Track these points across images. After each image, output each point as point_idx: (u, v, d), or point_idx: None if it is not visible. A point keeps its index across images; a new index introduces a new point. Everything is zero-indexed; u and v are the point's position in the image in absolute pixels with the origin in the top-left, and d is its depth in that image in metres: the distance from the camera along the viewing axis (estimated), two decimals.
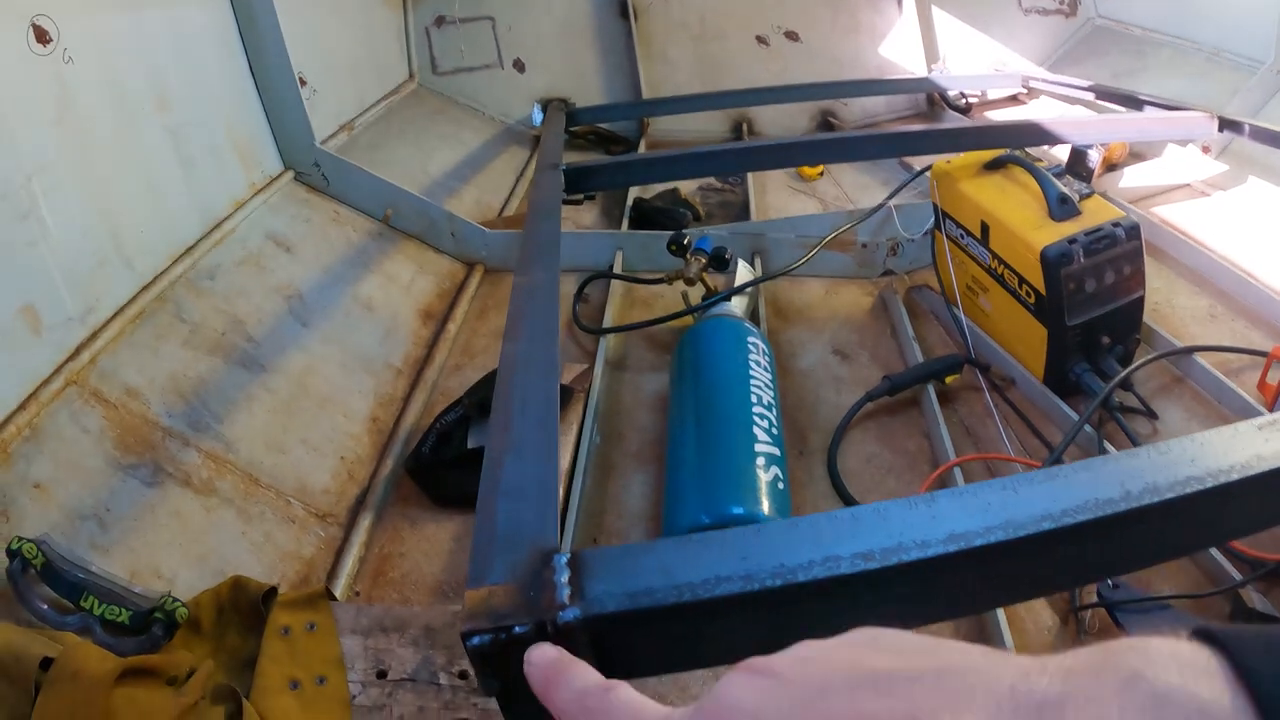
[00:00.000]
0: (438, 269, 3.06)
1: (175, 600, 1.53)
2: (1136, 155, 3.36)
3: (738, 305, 2.59)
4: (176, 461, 1.88)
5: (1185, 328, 2.47)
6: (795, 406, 2.41)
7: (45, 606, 1.48)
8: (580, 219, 3.64)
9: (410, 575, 1.90)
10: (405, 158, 3.59)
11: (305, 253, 2.71)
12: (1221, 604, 1.72)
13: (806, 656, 0.44)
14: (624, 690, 0.50)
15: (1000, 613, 1.70)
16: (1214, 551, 1.78)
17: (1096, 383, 2.19)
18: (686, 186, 3.80)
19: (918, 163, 3.24)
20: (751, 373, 2.11)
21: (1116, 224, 2.18)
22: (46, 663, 1.28)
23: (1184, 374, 2.30)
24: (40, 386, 1.79)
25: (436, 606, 1.73)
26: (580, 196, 3.73)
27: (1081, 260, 2.13)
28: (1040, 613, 1.77)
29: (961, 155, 2.57)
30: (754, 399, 2.02)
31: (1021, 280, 2.24)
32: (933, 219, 2.65)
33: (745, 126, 4.59)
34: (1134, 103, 3.11)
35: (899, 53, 4.66)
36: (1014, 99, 4.44)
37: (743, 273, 2.74)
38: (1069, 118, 3.39)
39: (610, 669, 0.69)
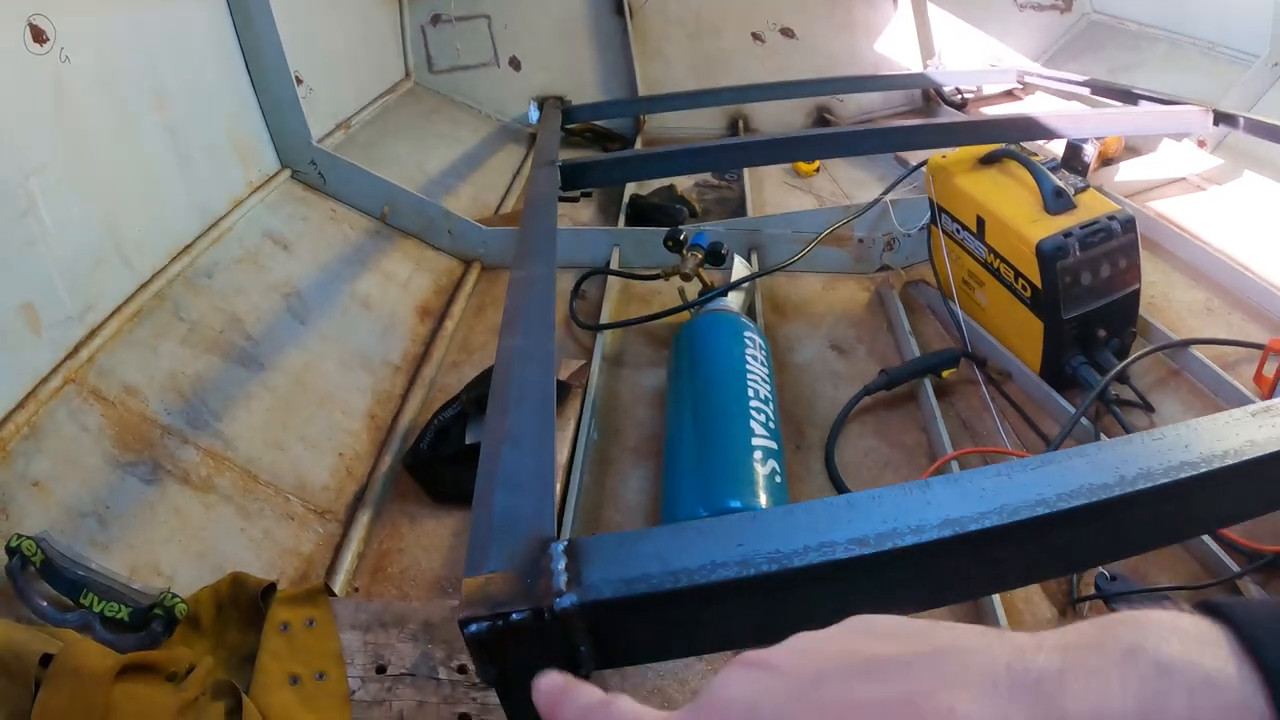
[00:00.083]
0: (435, 266, 3.07)
1: (175, 597, 1.53)
2: (1132, 150, 3.36)
3: (734, 301, 2.60)
4: (175, 459, 1.88)
5: (1182, 321, 2.47)
6: (793, 401, 2.41)
7: (45, 604, 1.48)
8: (577, 216, 3.65)
9: (409, 571, 1.90)
10: (402, 156, 3.59)
11: (303, 251, 2.72)
12: (1219, 595, 1.72)
13: (801, 648, 0.44)
14: (625, 701, 0.50)
15: (998, 605, 1.70)
16: (1211, 543, 1.78)
17: (1093, 376, 2.19)
18: (683, 183, 3.80)
19: (913, 158, 3.23)
20: (748, 367, 2.11)
21: (1112, 217, 2.18)
22: (47, 659, 1.28)
23: (1180, 367, 2.30)
24: (39, 385, 1.79)
25: (435, 602, 1.73)
26: (577, 193, 3.73)
27: (1077, 254, 2.13)
28: (1038, 605, 1.78)
29: (957, 150, 2.57)
30: (751, 393, 2.03)
31: (1017, 274, 2.24)
32: (929, 214, 2.66)
33: (741, 123, 4.59)
34: (1129, 97, 3.12)
35: (894, 49, 4.66)
36: (1009, 94, 4.44)
37: (739, 268, 2.74)
38: (1064, 112, 3.40)
39: (608, 655, 0.70)
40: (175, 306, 2.20)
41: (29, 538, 1.48)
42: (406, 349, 2.61)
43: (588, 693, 0.53)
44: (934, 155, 2.61)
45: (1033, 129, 2.59)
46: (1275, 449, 0.76)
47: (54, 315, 1.88)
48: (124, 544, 1.67)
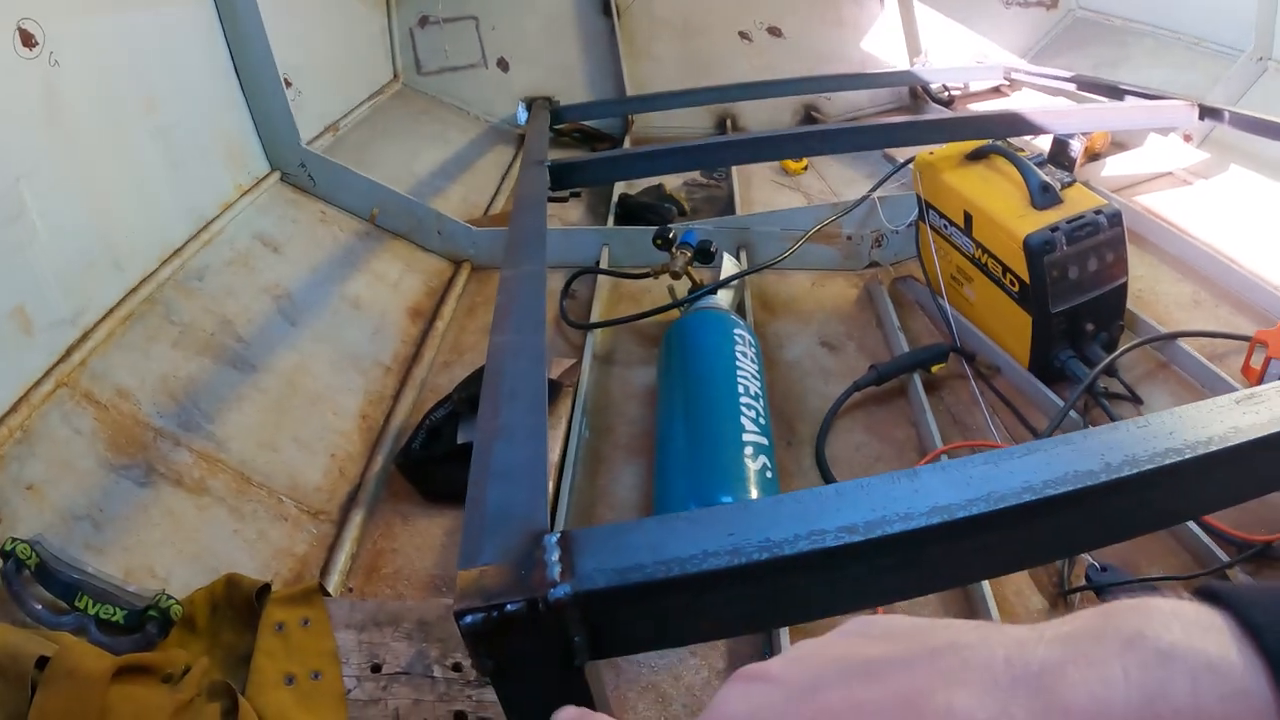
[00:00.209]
0: (425, 267, 3.07)
1: (170, 598, 1.54)
2: (1119, 145, 3.38)
3: (724, 298, 2.60)
4: (168, 461, 1.89)
5: (1169, 314, 2.48)
6: (783, 397, 2.42)
7: (40, 607, 1.48)
8: (566, 216, 3.65)
9: (403, 570, 1.91)
10: (391, 157, 3.59)
11: (293, 253, 2.72)
12: (1204, 584, 1.73)
13: (798, 656, 0.44)
14: None
15: (989, 596, 1.71)
16: (1201, 533, 1.80)
17: (1081, 369, 2.21)
18: (671, 182, 3.81)
19: (901, 155, 3.25)
20: (738, 364, 2.12)
21: (1098, 211, 2.20)
22: (43, 662, 1.28)
23: (1169, 359, 2.32)
24: (32, 388, 1.79)
25: (430, 600, 1.74)
26: (566, 193, 3.74)
27: (1064, 248, 2.15)
28: (1030, 597, 1.79)
29: (944, 147, 2.58)
30: (741, 390, 2.03)
31: (1005, 269, 2.26)
32: (916, 210, 2.67)
33: (729, 122, 4.60)
34: (1115, 92, 3.13)
35: (881, 47, 4.67)
36: (996, 91, 4.45)
37: (728, 266, 2.75)
38: (1050, 108, 3.41)
39: (602, 645, 0.70)
40: (166, 309, 2.20)
41: (23, 541, 1.49)
42: (397, 350, 2.62)
43: (603, 718, 0.54)
44: (921, 152, 2.62)
45: (1019, 125, 2.60)
46: (1259, 435, 0.77)
47: (46, 319, 1.88)
48: (118, 546, 1.67)
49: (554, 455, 2.11)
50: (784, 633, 1.64)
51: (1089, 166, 3.20)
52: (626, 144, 4.42)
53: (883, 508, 0.70)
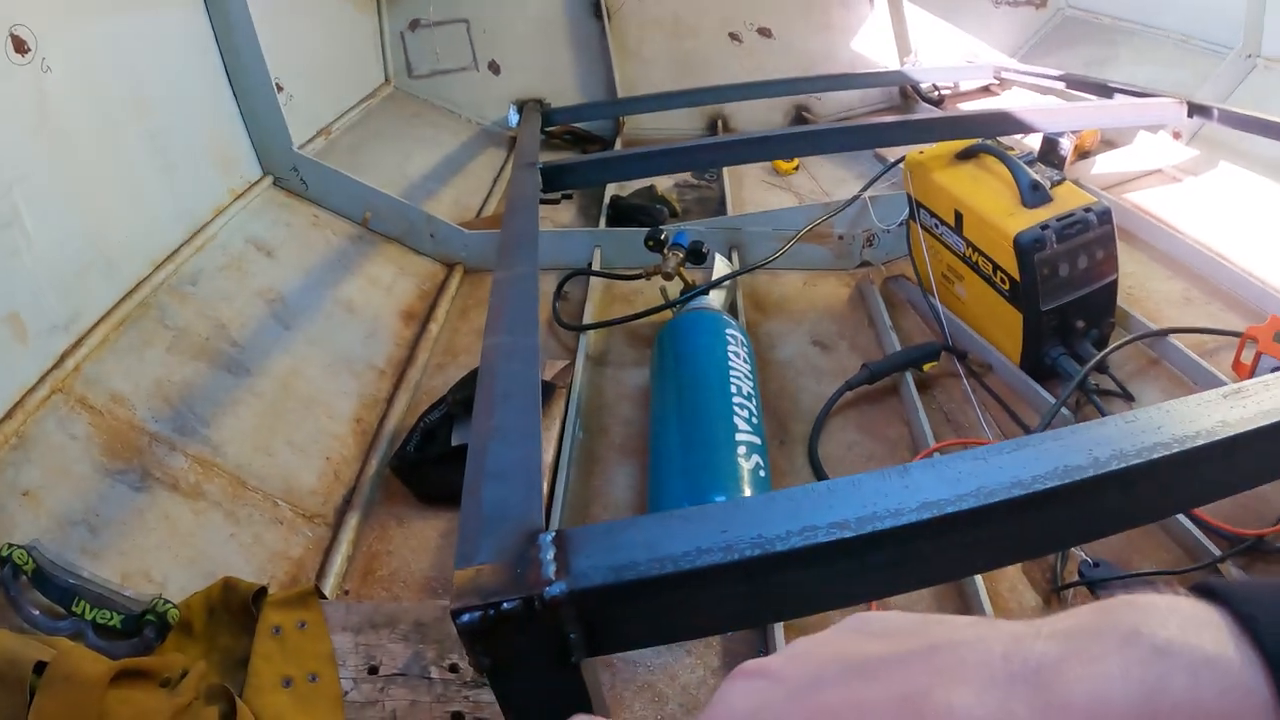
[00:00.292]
0: (418, 270, 3.08)
1: (166, 602, 1.54)
2: (1108, 142, 3.39)
3: (716, 299, 2.61)
4: (164, 466, 1.89)
5: (1160, 311, 2.49)
6: (776, 397, 2.43)
7: (37, 612, 1.49)
8: (558, 218, 3.66)
9: (399, 572, 1.91)
10: (383, 161, 3.60)
11: (286, 257, 2.72)
12: (1212, 578, 1.75)
13: (798, 653, 0.44)
14: None
15: (983, 592, 1.72)
16: (1193, 528, 1.81)
17: (1073, 366, 2.22)
18: (663, 183, 3.82)
19: (892, 155, 3.26)
20: (730, 364, 2.13)
21: (1088, 209, 2.21)
22: (41, 667, 1.28)
23: (1160, 356, 2.33)
24: (27, 394, 1.80)
25: (426, 602, 1.74)
26: (557, 195, 3.73)
27: (1054, 245, 2.16)
28: (1023, 593, 1.80)
29: (934, 146, 2.59)
30: (733, 389, 2.04)
31: (996, 267, 2.27)
32: (907, 209, 2.68)
33: (720, 123, 4.61)
34: (1104, 91, 3.14)
35: (871, 47, 4.69)
36: (986, 90, 4.47)
37: (720, 267, 2.75)
38: (1040, 107, 3.42)
39: (598, 642, 0.71)
40: (161, 314, 2.20)
41: (20, 547, 1.49)
42: (391, 353, 2.62)
43: None
44: (912, 151, 2.62)
45: (1009, 124, 2.60)
46: (1247, 429, 0.77)
47: (40, 325, 1.88)
48: (115, 551, 1.67)
49: (548, 456, 2.12)
50: (778, 629, 1.65)
51: (1079, 164, 3.21)
52: (618, 146, 4.43)
53: (874, 504, 0.71)
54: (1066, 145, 3.11)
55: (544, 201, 2.24)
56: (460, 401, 2.19)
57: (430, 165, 3.88)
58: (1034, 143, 3.22)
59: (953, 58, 4.58)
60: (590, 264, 3.05)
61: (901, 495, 0.71)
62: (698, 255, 2.68)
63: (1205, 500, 0.89)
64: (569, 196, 3.81)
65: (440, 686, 1.50)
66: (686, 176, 4.01)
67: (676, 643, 1.67)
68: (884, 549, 0.70)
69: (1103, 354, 2.21)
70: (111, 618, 1.49)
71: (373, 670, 1.53)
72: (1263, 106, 2.68)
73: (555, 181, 2.36)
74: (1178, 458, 0.75)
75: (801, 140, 2.78)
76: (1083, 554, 1.80)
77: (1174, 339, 2.29)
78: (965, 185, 2.40)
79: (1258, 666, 0.33)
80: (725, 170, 3.90)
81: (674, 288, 2.69)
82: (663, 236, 2.70)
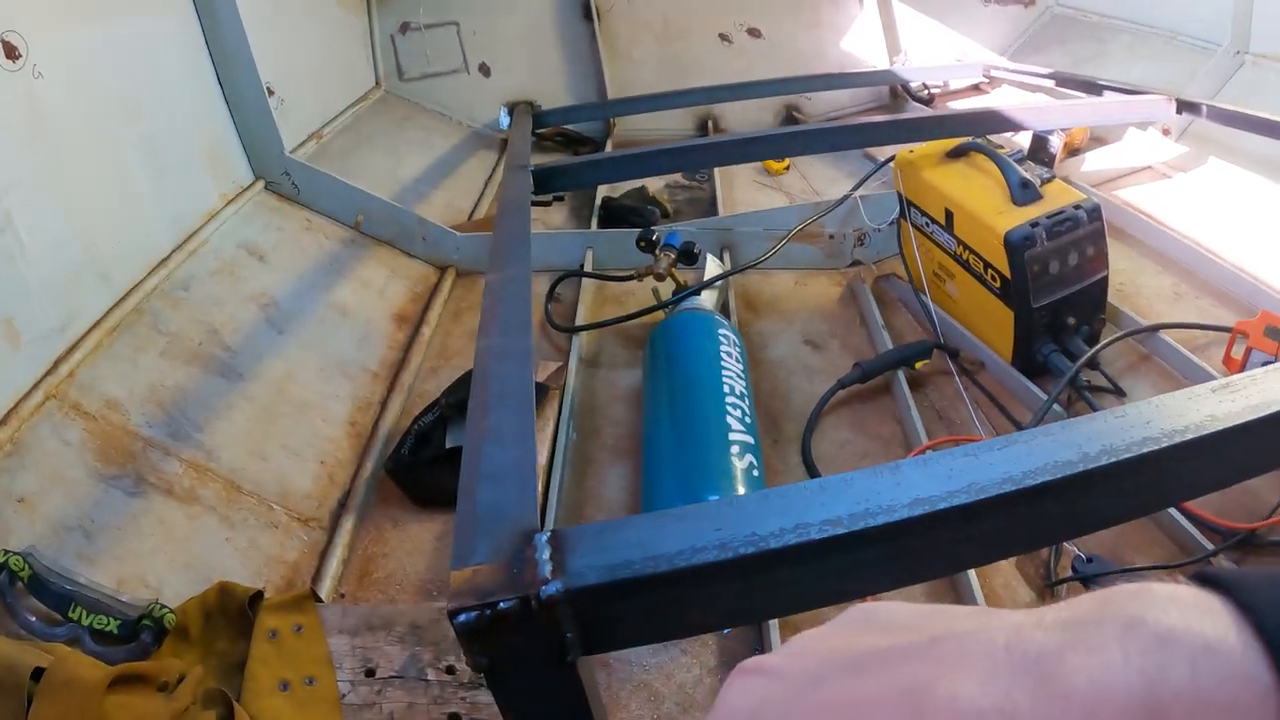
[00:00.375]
0: (410, 273, 3.08)
1: (163, 607, 1.54)
2: (1098, 140, 3.40)
3: (708, 299, 2.62)
4: (158, 471, 1.89)
5: (1151, 307, 2.50)
6: (769, 396, 2.43)
7: (34, 619, 1.49)
8: (550, 220, 3.66)
9: (394, 575, 1.91)
10: (374, 164, 3.60)
11: (278, 261, 2.72)
12: (1201, 568, 1.75)
13: (798, 648, 0.44)
14: None
15: (977, 588, 1.73)
16: (1186, 522, 1.81)
17: (1064, 363, 2.22)
18: (654, 184, 3.81)
19: (882, 154, 3.26)
20: (723, 364, 2.13)
21: (1078, 206, 2.22)
22: (38, 673, 1.28)
23: (1150, 352, 2.34)
24: (20, 401, 1.80)
25: (422, 604, 1.75)
26: (549, 197, 3.75)
27: (1044, 243, 2.16)
28: (1017, 588, 1.80)
29: (924, 145, 2.60)
30: (726, 389, 2.04)
31: (986, 265, 2.27)
32: (898, 208, 2.68)
33: (711, 124, 4.61)
34: (1093, 88, 3.15)
35: (861, 46, 4.69)
36: (976, 88, 4.47)
37: (712, 267, 2.76)
38: (1029, 105, 3.43)
39: (594, 641, 0.72)
40: (154, 319, 2.21)
41: (15, 553, 1.49)
42: (384, 356, 2.62)
43: None
44: (902, 150, 2.63)
45: (998, 122, 2.61)
46: (1235, 423, 0.78)
47: (33, 331, 1.88)
48: (110, 557, 1.67)
49: (541, 458, 2.12)
50: (773, 626, 1.65)
51: (1068, 162, 3.22)
52: (609, 147, 4.43)
53: (866, 501, 0.71)
54: (1056, 143, 3.12)
55: (535, 203, 2.25)
56: (453, 404, 2.19)
57: (421, 168, 3.88)
58: (1024, 141, 3.23)
59: (942, 56, 4.59)
60: (582, 265, 3.05)
61: (893, 492, 0.72)
62: (689, 256, 2.69)
63: (1195, 494, 0.89)
64: (560, 198, 3.81)
65: (437, 688, 1.50)
66: (677, 177, 4.01)
67: (672, 641, 1.67)
68: (877, 545, 0.71)
69: (1094, 350, 2.22)
70: (108, 623, 1.50)
71: (370, 673, 1.53)
72: (1251, 102, 2.70)
73: (546, 183, 2.36)
74: (1167, 452, 0.76)
75: (792, 140, 2.78)
76: (1076, 549, 1.81)
77: (1165, 335, 2.30)
78: (955, 184, 2.41)
79: (1259, 653, 0.33)
80: (716, 171, 3.90)
81: (666, 288, 2.70)
82: (654, 237, 2.71)
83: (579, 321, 2.76)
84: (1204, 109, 2.61)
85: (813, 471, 2.16)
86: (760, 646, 1.67)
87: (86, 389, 1.94)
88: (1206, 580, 0.37)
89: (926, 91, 4.51)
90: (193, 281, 2.40)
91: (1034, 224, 2.17)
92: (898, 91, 4.64)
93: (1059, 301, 2.23)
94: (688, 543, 0.69)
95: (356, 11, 4.20)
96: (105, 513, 1.74)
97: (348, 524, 2.00)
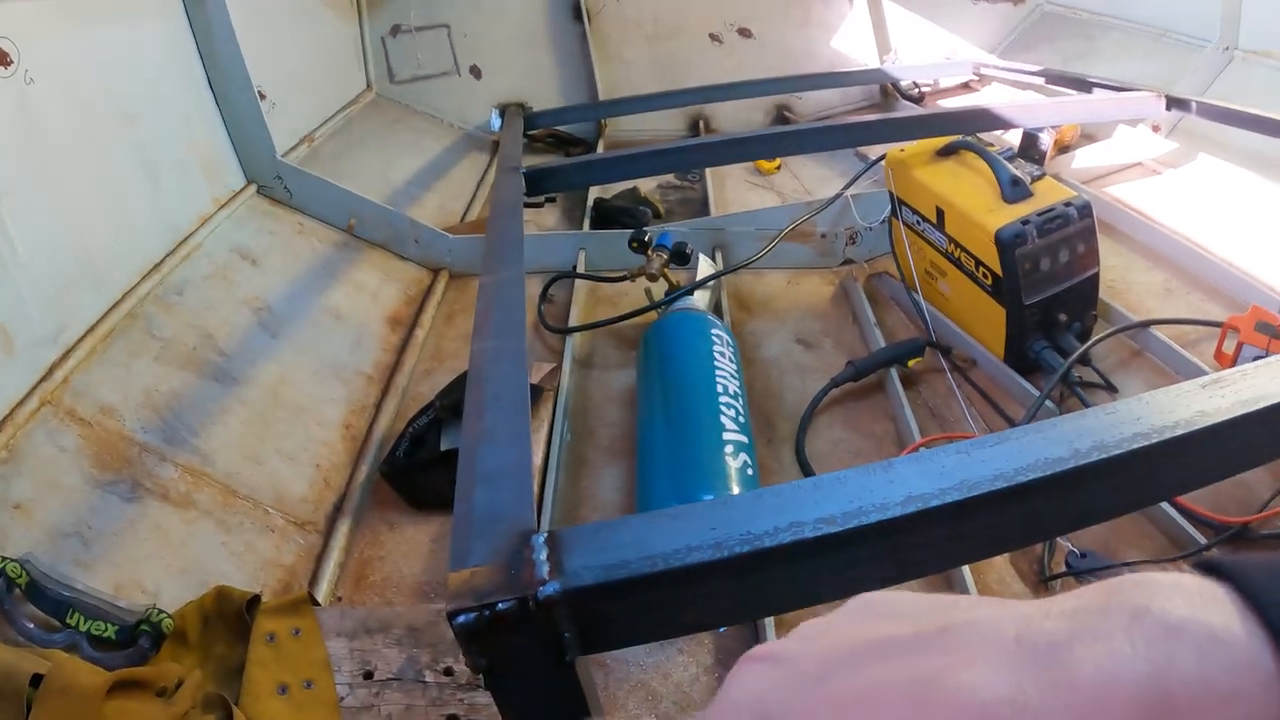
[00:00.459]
0: (403, 276, 3.08)
1: (160, 613, 1.54)
2: (1088, 137, 3.41)
3: (700, 299, 2.62)
4: (154, 476, 1.89)
5: (1142, 303, 2.51)
6: (762, 395, 2.44)
7: (31, 625, 1.49)
8: (542, 221, 3.66)
9: (391, 578, 1.92)
10: (367, 167, 3.60)
11: (272, 265, 2.72)
12: (1205, 556, 1.76)
13: (807, 635, 0.43)
14: None
15: (971, 584, 1.73)
16: (1178, 517, 1.82)
17: (1056, 359, 2.23)
18: (646, 185, 3.82)
19: (873, 153, 3.27)
20: (716, 364, 2.14)
21: (1068, 204, 2.22)
22: (37, 679, 1.28)
23: (1142, 347, 2.34)
24: (15, 408, 1.80)
25: (419, 606, 1.75)
26: (541, 199, 3.75)
27: (1035, 240, 2.17)
28: (1011, 584, 1.81)
29: (915, 143, 2.60)
30: (720, 389, 2.05)
31: (978, 262, 2.28)
32: (889, 207, 2.69)
33: (702, 124, 4.62)
34: (1083, 85, 3.16)
35: (851, 45, 4.70)
36: (966, 86, 4.48)
37: (704, 267, 2.76)
38: (1020, 102, 3.44)
39: (591, 640, 0.72)
40: (148, 325, 2.21)
41: (13, 560, 1.49)
42: (378, 359, 2.62)
43: None
44: (893, 149, 2.64)
45: (989, 120, 2.62)
46: (1224, 418, 0.79)
47: (27, 337, 1.88)
48: (107, 562, 1.67)
49: (536, 459, 2.12)
50: (769, 624, 1.66)
51: (1059, 159, 3.22)
52: (600, 148, 4.44)
53: (859, 499, 0.72)
54: (1046, 140, 3.13)
55: (528, 205, 2.25)
56: (448, 406, 2.19)
57: (413, 171, 3.88)
58: (1014, 138, 3.24)
59: (932, 55, 4.60)
60: (575, 267, 3.06)
61: (886, 490, 0.73)
62: (682, 256, 2.69)
63: (1186, 489, 0.90)
64: (552, 200, 3.82)
65: (435, 690, 1.51)
66: (669, 178, 4.02)
67: (669, 641, 1.67)
68: (870, 543, 0.71)
69: (1085, 347, 2.23)
70: (106, 629, 1.50)
71: (368, 675, 1.53)
72: (1240, 98, 2.71)
73: (538, 185, 2.36)
74: (1158, 448, 0.77)
75: (783, 140, 2.79)
76: (1069, 545, 1.82)
77: (1156, 330, 2.31)
78: (946, 182, 2.41)
79: (1263, 641, 0.33)
80: (708, 171, 3.90)
81: (659, 289, 2.70)
82: (646, 238, 2.71)
83: (572, 323, 2.76)
84: (1193, 105, 2.62)
85: (807, 470, 2.17)
86: (756, 644, 1.67)
87: (81, 395, 1.94)
88: (1210, 568, 0.37)
89: (917, 90, 4.52)
90: (186, 286, 2.40)
91: (1025, 221, 2.17)
92: (888, 90, 4.64)
93: (1050, 298, 2.24)
94: (683, 542, 0.70)
95: (347, 15, 4.20)
96: (101, 518, 1.74)
97: (344, 527, 2.00)
